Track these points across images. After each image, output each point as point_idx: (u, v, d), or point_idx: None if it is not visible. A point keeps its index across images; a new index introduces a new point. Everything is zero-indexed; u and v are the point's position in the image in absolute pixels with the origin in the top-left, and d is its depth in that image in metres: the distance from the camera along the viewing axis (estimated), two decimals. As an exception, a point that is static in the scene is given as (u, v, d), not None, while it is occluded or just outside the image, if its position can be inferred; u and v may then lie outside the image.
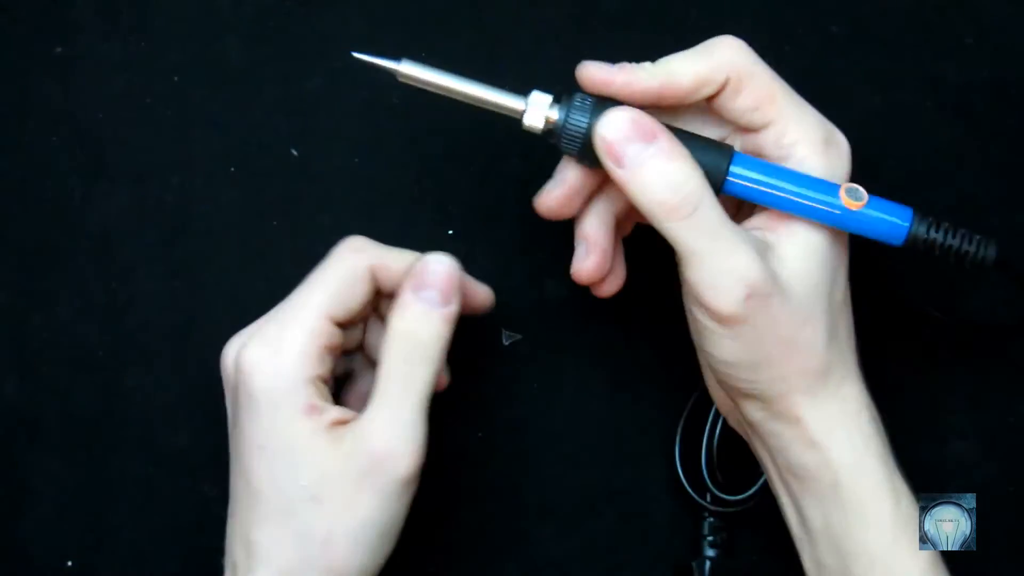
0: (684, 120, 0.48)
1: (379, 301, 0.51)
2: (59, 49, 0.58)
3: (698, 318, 0.46)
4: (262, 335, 0.47)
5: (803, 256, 0.46)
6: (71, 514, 0.56)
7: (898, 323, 0.57)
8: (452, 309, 0.48)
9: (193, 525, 0.55)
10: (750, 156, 0.47)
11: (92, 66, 0.58)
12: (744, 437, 0.52)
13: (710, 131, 0.48)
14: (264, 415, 0.46)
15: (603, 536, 0.57)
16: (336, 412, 0.47)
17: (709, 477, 0.55)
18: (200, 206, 0.57)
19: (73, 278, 0.57)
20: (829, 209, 0.46)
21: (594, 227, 0.50)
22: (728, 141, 0.48)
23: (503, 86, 0.47)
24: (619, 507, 0.57)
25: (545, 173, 0.58)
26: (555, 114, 0.47)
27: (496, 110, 0.47)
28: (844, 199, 0.46)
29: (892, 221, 0.46)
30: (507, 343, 0.57)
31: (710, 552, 0.55)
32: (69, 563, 0.56)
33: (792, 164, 0.47)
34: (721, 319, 0.45)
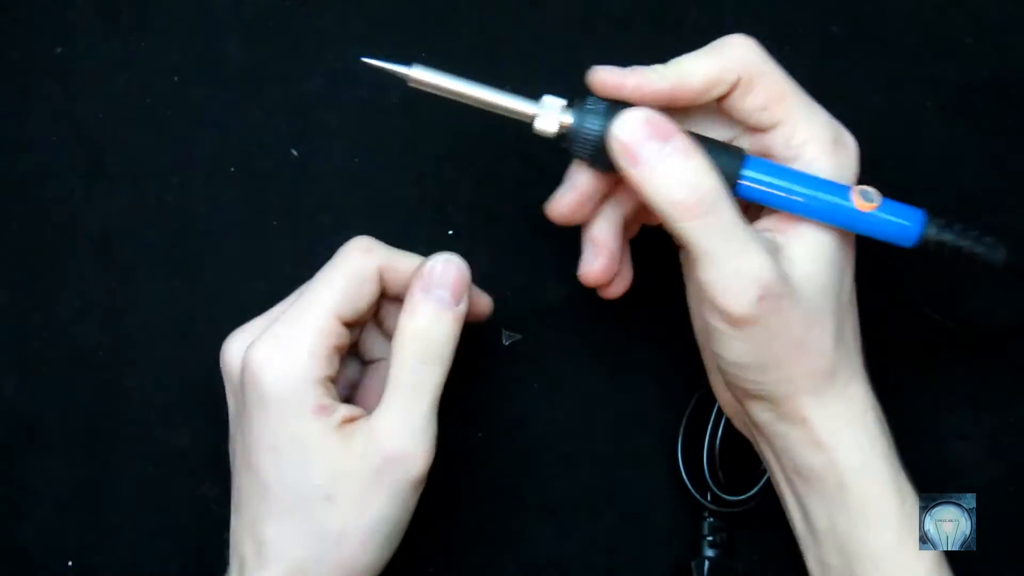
0: (693, 122, 0.48)
1: (379, 304, 0.51)
2: (59, 49, 0.58)
3: (708, 320, 0.46)
4: (271, 334, 0.47)
5: (812, 257, 0.46)
6: (71, 514, 0.56)
7: (898, 323, 0.57)
8: (463, 309, 0.48)
9: (193, 525, 0.55)
10: (761, 159, 0.47)
11: (92, 66, 0.58)
12: (749, 438, 0.52)
13: (719, 132, 0.48)
14: (274, 415, 0.46)
15: (603, 536, 0.57)
16: (345, 411, 0.47)
17: (711, 477, 0.55)
18: (200, 206, 0.57)
19: (73, 278, 0.57)
20: (841, 212, 0.46)
21: (602, 229, 0.50)
22: (736, 143, 0.48)
23: (506, 87, 0.47)
24: (619, 507, 0.57)
25: (545, 174, 0.58)
26: (567, 118, 0.46)
27: (507, 115, 0.47)
28: (856, 201, 0.46)
29: (904, 224, 0.46)
30: (507, 343, 0.57)
31: (710, 552, 0.55)
32: (69, 563, 0.56)
33: (801, 164, 0.47)
34: (733, 320, 0.45)
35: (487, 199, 0.58)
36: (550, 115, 0.46)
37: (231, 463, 0.49)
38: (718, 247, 0.44)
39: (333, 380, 0.48)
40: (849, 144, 0.47)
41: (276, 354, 0.46)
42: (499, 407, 0.57)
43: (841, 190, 0.46)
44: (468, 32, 0.59)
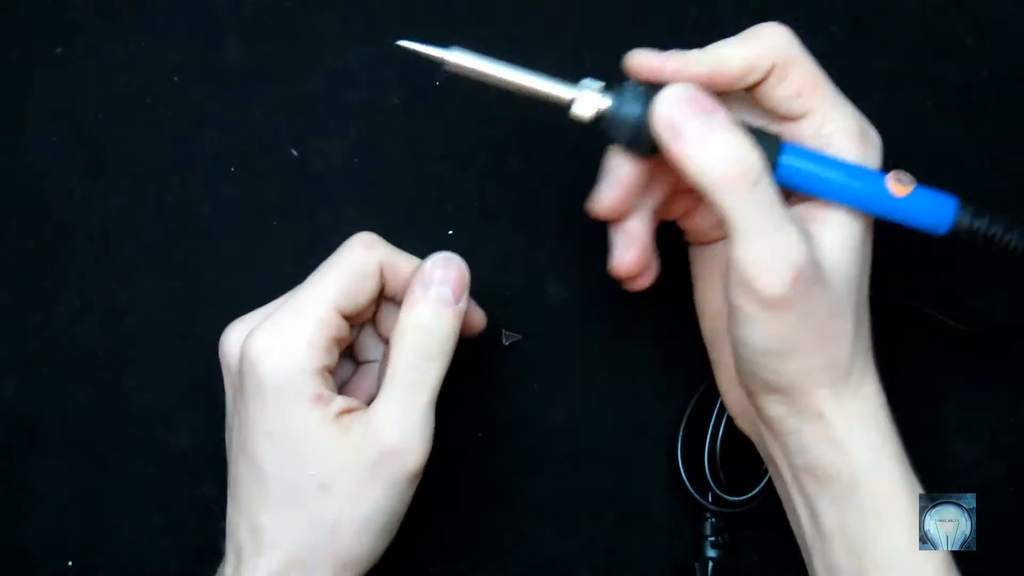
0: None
1: (377, 304, 0.51)
2: (59, 49, 0.58)
3: (737, 302, 0.45)
4: (271, 324, 0.47)
5: (841, 247, 0.46)
6: (71, 514, 0.56)
7: (898, 323, 0.57)
8: (462, 307, 0.48)
9: (193, 525, 0.55)
10: (797, 145, 0.47)
11: (92, 66, 0.58)
12: (753, 438, 0.52)
13: (749, 121, 0.48)
14: (272, 403, 0.46)
15: (603, 536, 0.57)
16: (342, 402, 0.47)
17: (711, 477, 0.55)
18: (200, 206, 0.57)
19: (73, 278, 0.57)
20: (876, 197, 0.46)
21: (635, 221, 0.50)
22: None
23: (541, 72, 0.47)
24: (619, 507, 0.57)
25: (545, 174, 0.58)
26: (605, 102, 0.46)
27: (544, 99, 0.47)
28: (892, 185, 0.46)
29: (937, 209, 0.46)
30: (507, 343, 0.57)
31: (711, 552, 0.55)
32: (69, 563, 0.56)
33: (830, 154, 0.47)
34: (767, 301, 0.44)
35: (487, 199, 0.58)
36: (588, 99, 0.46)
37: (228, 453, 0.50)
38: (758, 224, 0.44)
39: (332, 371, 0.48)
40: (874, 138, 0.48)
41: (275, 342, 0.46)
42: (499, 407, 0.57)
43: (875, 176, 0.46)
44: (468, 32, 0.58)
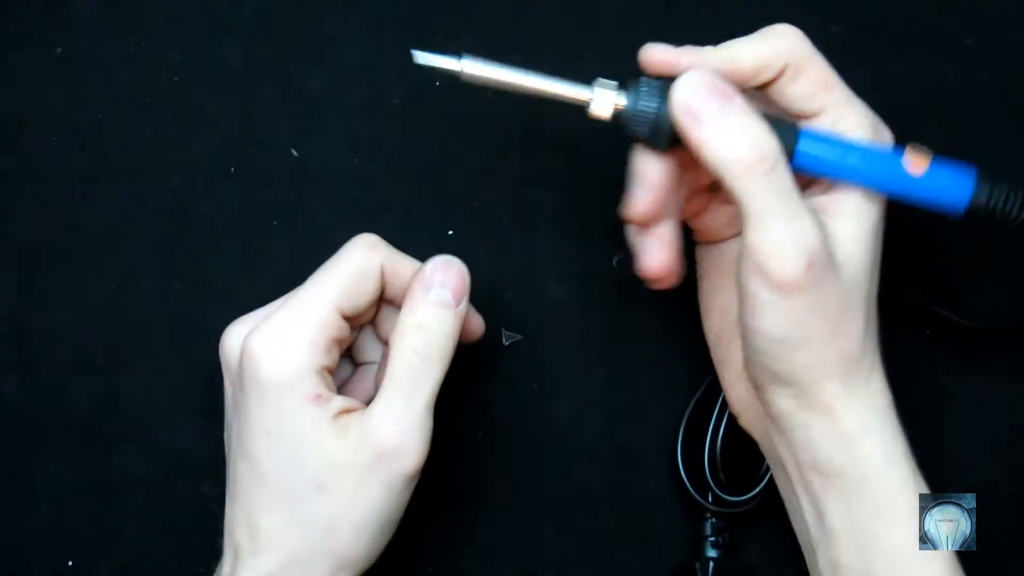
0: None
1: (378, 306, 0.51)
2: (59, 49, 0.58)
3: (750, 287, 0.45)
4: (272, 323, 0.47)
5: (853, 238, 0.46)
6: (71, 514, 0.56)
7: (898, 323, 0.57)
8: (463, 310, 0.49)
9: (193, 525, 0.55)
10: (813, 130, 0.47)
11: (92, 66, 0.58)
12: (757, 437, 0.52)
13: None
14: (271, 402, 0.46)
15: (603, 536, 0.57)
16: (341, 402, 0.47)
17: (711, 478, 0.55)
18: (200, 206, 0.57)
19: (73, 278, 0.57)
20: (895, 175, 0.46)
21: (666, 222, 0.50)
22: None
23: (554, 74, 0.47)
24: (619, 507, 0.57)
25: (545, 174, 0.58)
26: (622, 100, 0.47)
27: (561, 101, 0.47)
28: (911, 159, 0.47)
29: (955, 186, 0.47)
30: (507, 343, 0.57)
31: (712, 553, 0.55)
32: (69, 563, 0.56)
33: None
34: (780, 285, 0.44)
35: (487, 199, 0.58)
36: (605, 98, 0.47)
37: (227, 452, 0.50)
38: (774, 209, 0.44)
39: (331, 372, 0.48)
40: (886, 135, 0.48)
41: (275, 341, 0.47)
42: (499, 407, 0.57)
43: (894, 156, 0.47)
44: (468, 32, 0.59)
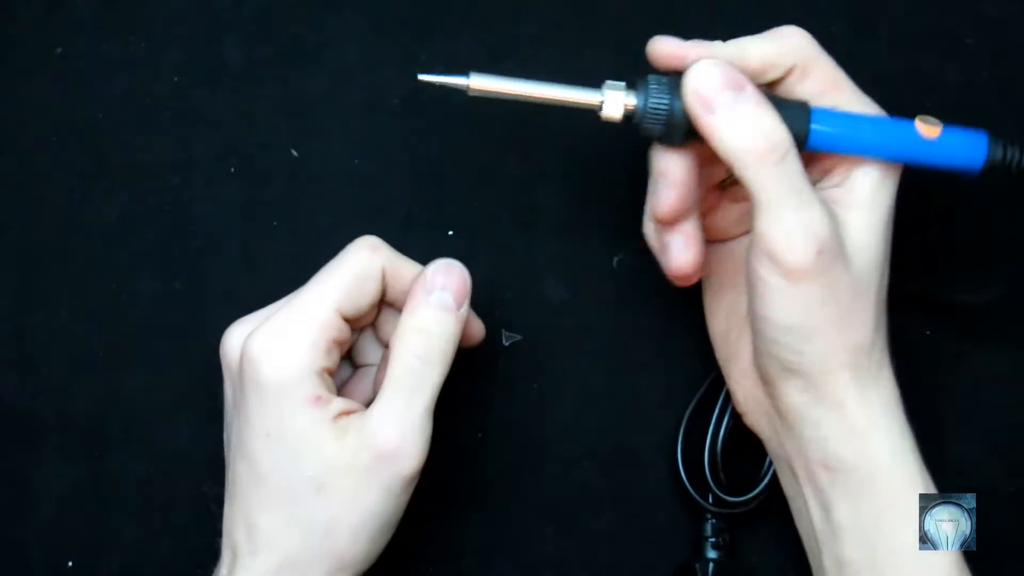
0: None
1: (378, 308, 0.51)
2: (59, 49, 0.58)
3: (762, 276, 0.46)
4: (273, 324, 0.47)
5: (864, 228, 0.47)
6: (71, 514, 0.56)
7: (898, 323, 0.57)
8: (463, 313, 0.49)
9: (193, 525, 0.55)
10: (824, 108, 0.47)
11: (92, 66, 0.58)
12: (763, 434, 0.52)
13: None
14: (270, 403, 0.46)
15: (603, 536, 0.57)
16: (341, 404, 0.47)
17: (712, 478, 0.55)
18: (200, 206, 0.57)
19: (73, 278, 0.57)
20: (908, 142, 0.47)
21: (690, 220, 0.50)
22: None
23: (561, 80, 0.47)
24: (619, 507, 0.57)
25: (545, 174, 0.58)
26: (633, 100, 0.47)
27: (572, 107, 0.47)
28: (921, 127, 0.47)
29: (969, 145, 0.47)
30: (507, 343, 0.57)
31: (712, 553, 0.55)
32: (69, 563, 0.56)
33: None
34: (791, 272, 0.45)
35: (487, 199, 0.58)
36: (615, 99, 0.47)
37: (226, 452, 0.50)
38: (784, 197, 0.44)
39: (331, 373, 0.48)
40: None
41: (276, 342, 0.47)
42: (499, 407, 0.57)
43: (906, 123, 0.47)
44: (468, 32, 0.59)
